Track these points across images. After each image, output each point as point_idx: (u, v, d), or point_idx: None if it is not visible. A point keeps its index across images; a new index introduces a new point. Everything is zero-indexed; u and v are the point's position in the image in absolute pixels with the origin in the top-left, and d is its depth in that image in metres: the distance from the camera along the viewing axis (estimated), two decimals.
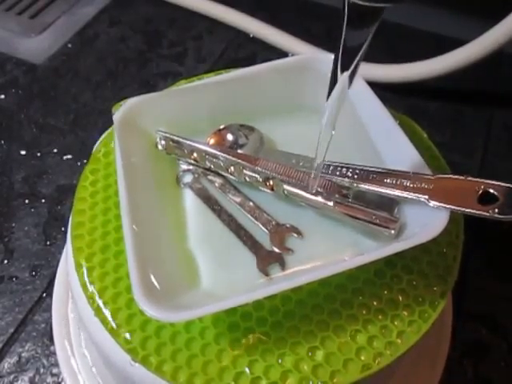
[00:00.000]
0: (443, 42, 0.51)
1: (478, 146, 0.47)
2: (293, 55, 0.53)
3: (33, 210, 0.43)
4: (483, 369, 0.34)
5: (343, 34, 0.19)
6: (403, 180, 0.24)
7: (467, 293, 0.34)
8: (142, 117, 0.29)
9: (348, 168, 0.26)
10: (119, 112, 0.28)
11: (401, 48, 0.49)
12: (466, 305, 0.35)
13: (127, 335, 0.23)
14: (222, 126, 0.30)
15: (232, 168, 0.28)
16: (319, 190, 0.26)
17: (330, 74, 0.21)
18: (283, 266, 0.25)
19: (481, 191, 0.22)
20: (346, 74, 0.20)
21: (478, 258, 0.37)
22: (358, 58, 0.19)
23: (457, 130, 0.48)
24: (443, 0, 0.52)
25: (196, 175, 0.29)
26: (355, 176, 0.25)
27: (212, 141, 0.30)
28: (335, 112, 0.22)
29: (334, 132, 0.23)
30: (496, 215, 0.21)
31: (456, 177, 0.23)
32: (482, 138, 0.48)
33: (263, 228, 0.26)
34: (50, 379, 0.34)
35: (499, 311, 0.36)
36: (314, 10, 0.60)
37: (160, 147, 0.29)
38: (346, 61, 0.20)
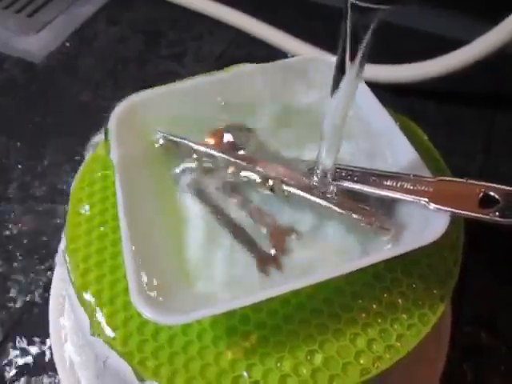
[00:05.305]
0: (444, 42, 0.50)
1: (479, 147, 0.47)
2: (293, 55, 0.53)
3: (30, 210, 0.42)
4: (483, 372, 0.34)
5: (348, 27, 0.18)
6: (403, 182, 0.24)
7: (467, 296, 0.34)
8: (139, 115, 0.29)
9: (347, 170, 0.25)
10: (117, 110, 0.28)
11: (401, 49, 0.49)
12: (466, 308, 0.35)
13: (124, 338, 0.23)
14: (220, 127, 0.30)
15: (231, 168, 0.28)
16: (320, 191, 0.26)
17: (331, 75, 0.21)
18: (282, 268, 0.25)
19: (481, 194, 0.22)
20: (353, 65, 0.20)
21: (477, 261, 0.36)
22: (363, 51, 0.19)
23: (457, 132, 0.48)
24: (444, 1, 0.52)
25: (194, 175, 0.29)
26: (355, 178, 0.25)
27: (211, 141, 0.30)
28: (343, 110, 0.22)
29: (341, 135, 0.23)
30: (496, 218, 0.21)
31: (457, 179, 0.23)
32: (482, 140, 0.48)
33: (262, 229, 0.26)
34: (46, 380, 0.34)
35: (499, 315, 0.36)
36: (314, 10, 0.60)
37: (158, 147, 0.29)
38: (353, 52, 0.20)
